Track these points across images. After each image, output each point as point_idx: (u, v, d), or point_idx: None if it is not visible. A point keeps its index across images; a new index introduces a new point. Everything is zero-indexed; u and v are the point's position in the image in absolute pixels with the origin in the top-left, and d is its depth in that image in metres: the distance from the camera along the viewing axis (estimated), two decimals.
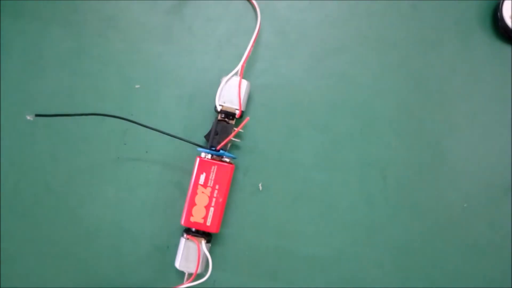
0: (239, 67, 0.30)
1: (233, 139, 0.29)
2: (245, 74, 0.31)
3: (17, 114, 0.32)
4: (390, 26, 0.33)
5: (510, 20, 0.32)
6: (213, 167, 0.29)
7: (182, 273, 0.29)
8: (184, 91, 0.32)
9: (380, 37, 0.33)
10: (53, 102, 0.31)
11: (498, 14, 0.32)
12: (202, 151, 0.29)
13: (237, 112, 0.29)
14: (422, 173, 0.32)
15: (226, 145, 0.29)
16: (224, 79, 0.30)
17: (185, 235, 0.29)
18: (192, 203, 0.28)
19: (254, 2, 0.32)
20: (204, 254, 0.28)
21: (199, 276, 0.28)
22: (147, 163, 0.31)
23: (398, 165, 0.32)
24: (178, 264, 0.28)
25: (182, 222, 0.28)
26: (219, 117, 0.30)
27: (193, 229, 0.29)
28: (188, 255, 0.28)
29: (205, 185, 0.28)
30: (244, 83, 0.30)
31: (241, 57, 0.30)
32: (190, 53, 0.33)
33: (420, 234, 0.31)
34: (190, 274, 0.28)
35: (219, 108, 0.29)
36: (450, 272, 0.31)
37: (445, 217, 0.31)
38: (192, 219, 0.28)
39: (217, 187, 0.29)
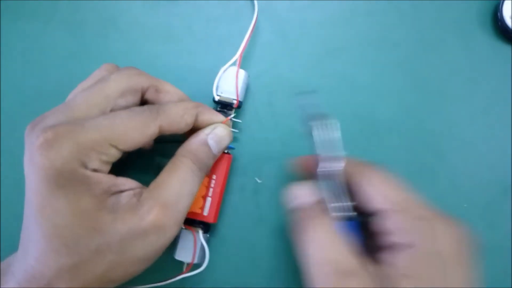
0: (237, 56, 0.30)
1: (231, 129, 0.29)
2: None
3: (17, 114, 0.32)
4: (390, 26, 0.33)
5: (510, 20, 0.32)
6: None
7: (181, 264, 0.29)
8: (184, 91, 0.32)
9: (380, 37, 0.33)
10: (53, 102, 0.31)
11: (498, 14, 0.32)
12: None
13: (235, 102, 0.29)
14: (422, 173, 0.32)
15: None
16: (222, 69, 0.30)
17: (183, 225, 0.28)
18: None
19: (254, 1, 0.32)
20: (202, 244, 0.28)
21: (197, 266, 0.28)
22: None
23: (398, 165, 0.32)
24: (176, 254, 0.28)
25: None
26: (217, 109, 0.29)
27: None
28: (186, 245, 0.28)
29: None
30: (242, 72, 0.30)
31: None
32: (190, 53, 0.33)
33: None
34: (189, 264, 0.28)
35: (216, 99, 0.29)
36: None
37: None
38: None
39: (214, 177, 0.28)
